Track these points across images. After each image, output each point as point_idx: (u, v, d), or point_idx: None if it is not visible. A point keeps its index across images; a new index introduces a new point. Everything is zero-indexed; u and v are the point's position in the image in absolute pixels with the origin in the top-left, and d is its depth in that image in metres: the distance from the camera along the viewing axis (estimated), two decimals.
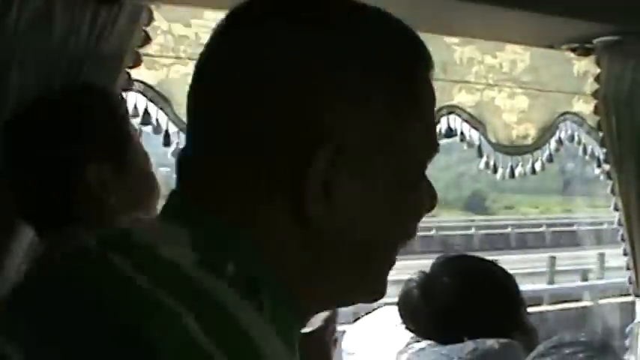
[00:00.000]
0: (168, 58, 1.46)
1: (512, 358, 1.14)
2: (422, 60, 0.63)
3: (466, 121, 1.82)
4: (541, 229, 17.23)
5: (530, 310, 1.36)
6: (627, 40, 1.45)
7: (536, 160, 1.94)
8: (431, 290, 1.20)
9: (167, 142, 1.46)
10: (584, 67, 1.98)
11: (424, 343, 1.19)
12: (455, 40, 1.81)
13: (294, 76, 0.57)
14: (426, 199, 0.64)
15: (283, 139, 0.57)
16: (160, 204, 0.86)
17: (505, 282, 1.26)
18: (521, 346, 1.16)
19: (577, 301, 9.82)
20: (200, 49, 0.63)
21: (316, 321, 1.02)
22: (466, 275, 1.23)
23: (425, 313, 1.19)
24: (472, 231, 16.57)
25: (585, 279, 11.95)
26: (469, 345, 1.13)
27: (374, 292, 0.64)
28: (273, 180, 0.57)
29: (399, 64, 0.60)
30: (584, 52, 1.54)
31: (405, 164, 0.60)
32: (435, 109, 0.66)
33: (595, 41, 1.46)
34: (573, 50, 1.54)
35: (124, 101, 1.29)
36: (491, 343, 1.13)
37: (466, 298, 1.20)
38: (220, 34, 0.61)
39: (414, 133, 0.60)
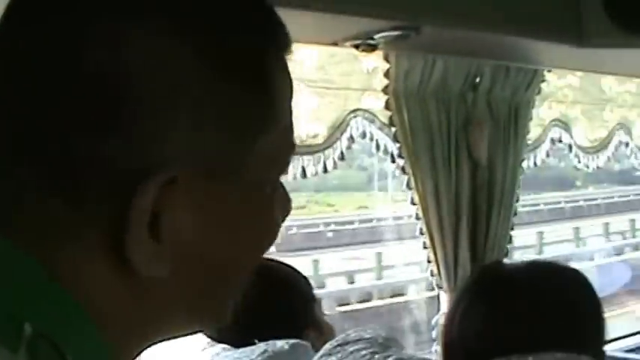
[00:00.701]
0: None
1: (302, 357, 1.20)
2: (275, 42, 0.55)
3: None
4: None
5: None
6: (411, 35, 1.56)
7: (328, 158, 2.03)
8: None
9: None
10: (374, 63, 2.11)
11: (219, 348, 1.24)
12: None
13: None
14: (280, 210, 0.58)
15: (97, 169, 0.48)
16: None
17: (293, 280, 1.33)
18: (311, 345, 1.22)
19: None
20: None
21: None
22: (259, 279, 1.28)
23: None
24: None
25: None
26: (260, 347, 1.19)
27: (219, 321, 0.59)
28: (87, 217, 0.49)
29: (245, 56, 0.52)
30: (369, 49, 1.64)
31: (257, 183, 0.54)
32: None
33: (377, 37, 1.56)
34: (356, 47, 1.63)
35: None
36: (281, 344, 1.19)
37: (255, 299, 1.24)
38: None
39: (267, 142, 0.53)
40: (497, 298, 1.18)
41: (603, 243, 17.59)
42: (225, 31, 0.51)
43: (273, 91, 0.54)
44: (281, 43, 0.55)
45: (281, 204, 0.58)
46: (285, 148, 0.56)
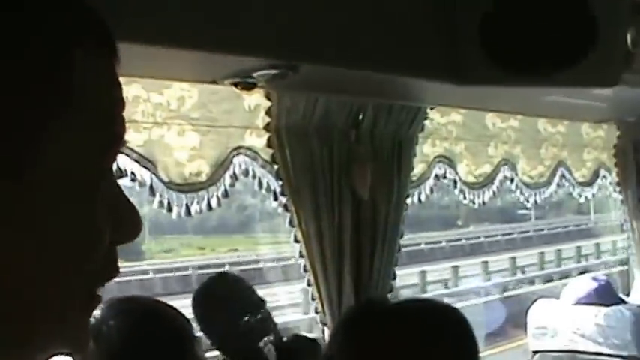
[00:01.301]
0: None
1: None
2: (81, 33, 0.54)
3: (136, 160, 1.95)
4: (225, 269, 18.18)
5: None
6: (289, 74, 1.68)
7: (212, 196, 2.12)
8: (99, 334, 1.31)
9: None
10: (256, 100, 2.23)
11: None
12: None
13: None
14: (110, 215, 0.55)
15: None
16: None
17: (173, 320, 1.41)
18: None
19: None
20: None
21: None
22: (132, 316, 1.36)
23: (97, 357, 1.30)
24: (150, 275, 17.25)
25: None
26: None
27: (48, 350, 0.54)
28: None
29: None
30: (248, 86, 1.75)
31: (58, 176, 0.52)
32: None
33: (255, 75, 1.67)
34: (235, 85, 1.74)
35: None
36: None
37: (133, 339, 1.33)
38: None
39: (64, 131, 0.52)
40: (370, 336, 1.28)
41: (490, 280, 18.30)
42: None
43: (69, 78, 0.52)
44: (91, 35, 0.55)
45: (111, 207, 0.55)
46: (97, 138, 0.54)
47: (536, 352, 3.26)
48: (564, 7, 2.17)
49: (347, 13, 1.73)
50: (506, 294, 15.67)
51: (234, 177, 2.21)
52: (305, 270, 2.27)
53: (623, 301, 3.25)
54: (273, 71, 1.64)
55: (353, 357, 1.26)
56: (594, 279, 3.28)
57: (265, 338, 1.99)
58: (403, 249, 2.58)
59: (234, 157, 2.23)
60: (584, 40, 2.16)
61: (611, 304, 3.12)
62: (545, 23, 2.17)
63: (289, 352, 2.03)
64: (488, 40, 2.19)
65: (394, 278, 2.44)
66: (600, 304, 3.14)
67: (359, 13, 1.82)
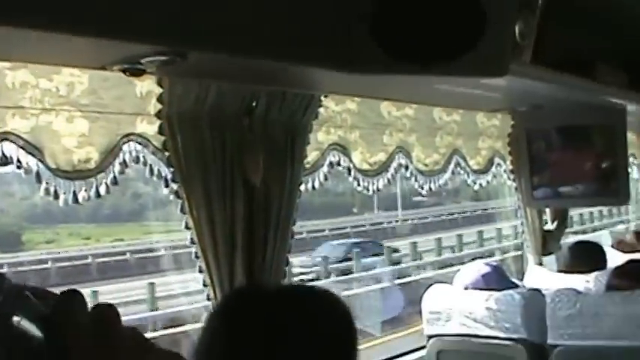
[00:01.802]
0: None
1: None
2: None
3: (22, 147, 1.97)
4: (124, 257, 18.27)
5: None
6: (177, 60, 1.72)
7: (101, 183, 2.15)
8: None
9: None
10: (148, 87, 2.26)
11: None
12: (6, 64, 1.94)
13: None
14: None
15: None
16: None
17: None
18: None
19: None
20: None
21: None
22: None
23: None
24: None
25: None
26: None
27: None
28: None
29: None
30: (137, 73, 1.79)
31: None
32: None
33: (144, 62, 1.72)
34: (124, 71, 1.78)
35: None
36: None
37: None
38: None
39: None
40: (246, 321, 1.33)
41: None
42: None
43: None
44: None
45: None
46: None
47: (430, 336, 3.40)
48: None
49: (235, 3, 1.79)
50: (405, 280, 16.05)
51: (124, 164, 2.24)
52: (197, 257, 2.33)
53: (516, 286, 3.43)
54: (161, 58, 1.68)
55: (228, 342, 1.32)
56: (486, 264, 3.44)
57: None
58: (299, 236, 2.66)
59: (124, 143, 2.26)
60: (473, 30, 2.27)
61: (503, 289, 3.28)
62: (435, 13, 2.28)
63: None
64: (379, 28, 2.29)
65: (287, 265, 2.51)
66: (492, 289, 3.30)
67: (248, 2, 1.88)
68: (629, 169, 5.44)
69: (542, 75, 2.78)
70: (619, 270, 3.33)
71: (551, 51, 2.81)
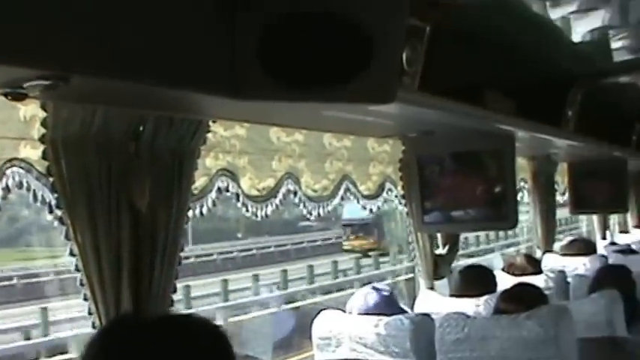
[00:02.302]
0: None
1: None
2: None
3: None
4: None
5: None
6: (60, 85, 1.75)
7: None
8: None
9: None
10: (32, 111, 2.27)
11: None
12: None
13: None
14: None
15: None
16: None
17: None
18: None
19: None
20: None
21: None
22: None
23: None
24: None
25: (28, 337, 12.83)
26: None
27: None
28: None
29: None
30: (19, 97, 1.81)
31: None
32: None
33: (26, 86, 1.74)
34: (6, 95, 1.80)
35: None
36: None
37: None
38: None
39: None
40: (119, 353, 1.36)
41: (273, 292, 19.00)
42: None
43: None
44: None
45: None
46: None
47: None
48: (340, 24, 2.37)
49: (120, 23, 1.83)
50: (297, 304, 16.16)
51: (7, 189, 2.25)
52: (82, 284, 2.34)
53: (405, 311, 3.53)
54: (43, 82, 1.71)
55: None
56: (376, 289, 3.54)
57: None
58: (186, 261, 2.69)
59: (7, 169, 2.27)
60: (360, 57, 2.37)
61: (393, 314, 3.38)
62: (321, 40, 2.36)
63: None
64: (266, 54, 2.36)
65: (174, 292, 2.55)
66: (382, 314, 3.39)
67: (133, 23, 1.92)
68: (520, 194, 5.69)
69: (430, 102, 2.90)
70: (506, 294, 3.46)
71: (439, 78, 2.94)
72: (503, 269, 4.86)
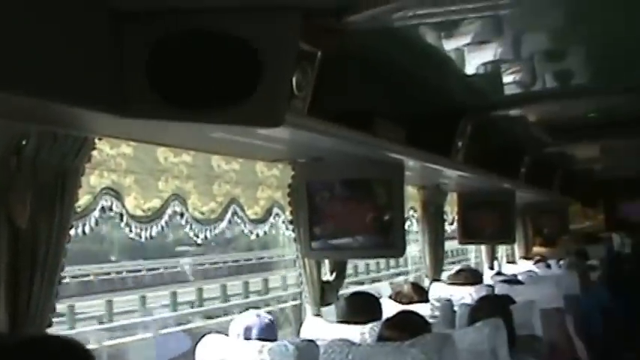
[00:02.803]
0: None
1: None
2: None
3: None
4: None
5: None
6: None
7: None
8: None
9: None
10: None
11: None
12: None
13: None
14: None
15: None
16: None
17: None
18: None
19: None
20: None
21: None
22: None
23: None
24: None
25: None
26: None
27: None
28: None
29: None
30: None
31: None
32: None
33: None
34: None
35: None
36: None
37: None
38: None
39: None
40: None
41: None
42: None
43: None
44: None
45: None
46: None
47: None
48: (230, 45, 2.42)
49: (3, 35, 1.83)
50: (183, 327, 16.05)
51: None
52: None
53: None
54: None
55: None
56: (258, 316, 3.58)
57: None
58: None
59: None
60: (249, 80, 2.42)
61: (273, 340, 3.42)
62: (211, 60, 2.41)
63: None
64: (155, 72, 2.39)
65: (54, 312, 2.53)
66: (266, 339, 3.43)
67: (18, 36, 1.93)
68: (409, 222, 5.82)
69: (319, 127, 2.96)
70: (389, 321, 3.54)
71: (330, 104, 3.01)
72: (390, 297, 4.96)
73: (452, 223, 6.70)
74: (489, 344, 3.67)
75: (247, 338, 3.53)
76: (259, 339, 3.51)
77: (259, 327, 3.51)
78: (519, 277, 6.62)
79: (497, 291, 5.58)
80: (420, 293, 5.03)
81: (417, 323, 3.45)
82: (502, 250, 9.07)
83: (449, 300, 4.94)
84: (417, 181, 5.63)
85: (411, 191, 5.86)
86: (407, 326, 3.40)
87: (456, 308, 4.86)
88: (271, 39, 2.40)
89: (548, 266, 8.31)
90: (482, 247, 8.06)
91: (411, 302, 4.83)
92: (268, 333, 3.53)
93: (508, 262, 9.10)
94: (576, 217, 13.12)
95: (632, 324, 7.04)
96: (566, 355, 5.88)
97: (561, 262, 8.34)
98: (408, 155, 3.91)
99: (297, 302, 4.54)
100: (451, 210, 6.70)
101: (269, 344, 3.40)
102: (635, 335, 7.51)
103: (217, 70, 2.39)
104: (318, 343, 3.47)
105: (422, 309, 4.58)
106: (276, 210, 4.08)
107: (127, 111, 2.36)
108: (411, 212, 5.90)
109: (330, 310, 4.49)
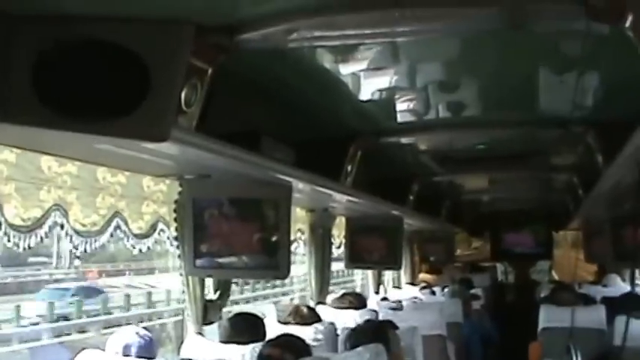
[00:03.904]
0: None
1: None
2: None
3: None
4: None
5: None
6: None
7: None
8: None
9: None
10: None
11: None
12: None
13: None
14: None
15: None
16: None
17: None
18: None
19: None
20: None
21: None
22: None
23: None
24: None
25: None
26: None
27: None
28: None
29: None
30: None
31: None
32: None
33: None
34: None
35: None
36: None
37: None
38: None
39: None
40: None
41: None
42: None
43: None
44: None
45: None
46: None
47: None
48: (118, 56, 2.40)
49: None
50: (67, 338, 15.76)
51: None
52: None
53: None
54: None
55: None
56: (137, 333, 3.55)
57: None
58: None
59: None
60: (136, 93, 2.40)
61: (152, 358, 3.40)
62: (98, 71, 2.39)
63: None
64: (40, 79, 2.35)
65: None
66: (142, 357, 3.41)
67: None
68: (297, 244, 5.85)
69: (206, 145, 2.95)
70: (269, 343, 3.57)
71: (218, 122, 3.01)
72: (279, 320, 4.98)
73: (339, 247, 6.76)
74: None
75: (126, 355, 3.50)
76: (138, 356, 3.48)
77: (138, 345, 3.48)
78: (404, 303, 6.73)
79: (381, 316, 5.67)
80: (314, 314, 5.07)
81: (297, 346, 3.48)
82: (389, 275, 9.19)
83: (332, 323, 4.98)
84: (305, 204, 5.67)
85: (299, 213, 5.90)
86: (287, 349, 3.42)
87: (339, 332, 4.91)
88: (162, 52, 2.40)
89: (433, 293, 8.46)
90: (369, 272, 8.16)
91: (305, 323, 4.85)
92: (147, 351, 3.50)
93: (394, 287, 9.23)
94: (463, 245, 13.45)
95: (512, 352, 7.24)
96: None
97: (446, 290, 8.50)
98: (296, 177, 3.93)
99: (180, 318, 4.51)
100: (339, 233, 6.76)
101: None
102: None
103: (104, 81, 2.37)
104: None
105: (307, 331, 4.62)
106: (161, 225, 4.05)
107: (10, 117, 2.32)
108: (299, 234, 5.93)
109: (212, 329, 4.47)
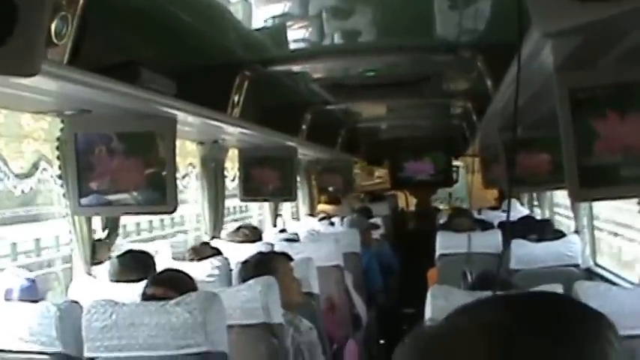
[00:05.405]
0: None
1: None
2: None
3: None
4: None
5: None
6: None
7: None
8: None
9: None
10: None
11: None
12: None
13: None
14: None
15: None
16: None
17: None
18: None
19: None
20: None
21: None
22: None
23: None
24: None
25: None
26: None
27: None
28: None
29: None
30: None
31: None
32: None
33: None
34: None
35: None
36: None
37: None
38: None
39: None
40: None
41: None
42: None
43: None
44: None
45: None
46: None
47: None
48: None
49: None
50: None
51: None
52: None
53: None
54: None
55: None
56: (18, 277, 3.51)
57: None
58: None
59: None
60: (2, 26, 2.33)
61: (37, 301, 3.36)
62: None
63: None
64: None
65: None
66: (27, 301, 3.36)
67: None
68: (188, 179, 5.84)
69: (81, 78, 2.90)
70: (153, 279, 3.54)
71: (93, 54, 2.96)
72: (173, 257, 4.98)
73: (233, 180, 6.76)
74: (262, 302, 3.76)
75: (8, 299, 3.46)
76: (21, 300, 3.45)
77: (20, 288, 3.45)
78: (301, 235, 6.79)
79: (276, 249, 5.71)
80: (210, 249, 5.09)
81: (182, 281, 3.48)
82: (287, 208, 9.25)
83: (225, 258, 5.00)
84: (195, 137, 5.64)
85: (190, 147, 5.87)
86: (173, 284, 3.42)
87: (232, 266, 4.94)
88: None
89: (332, 224, 8.54)
90: (266, 205, 8.19)
91: (201, 259, 4.87)
92: (30, 294, 3.47)
93: (293, 219, 9.30)
94: (365, 175, 13.60)
95: (412, 280, 7.39)
96: (344, 311, 6.11)
97: (345, 220, 8.60)
98: (179, 109, 3.89)
99: (69, 265, 4.46)
100: (232, 166, 6.75)
101: (31, 305, 3.34)
102: (414, 291, 7.91)
103: None
104: (83, 303, 3.44)
105: (199, 268, 4.63)
106: (43, 164, 3.99)
107: None
108: (190, 168, 5.91)
109: (103, 269, 4.44)
